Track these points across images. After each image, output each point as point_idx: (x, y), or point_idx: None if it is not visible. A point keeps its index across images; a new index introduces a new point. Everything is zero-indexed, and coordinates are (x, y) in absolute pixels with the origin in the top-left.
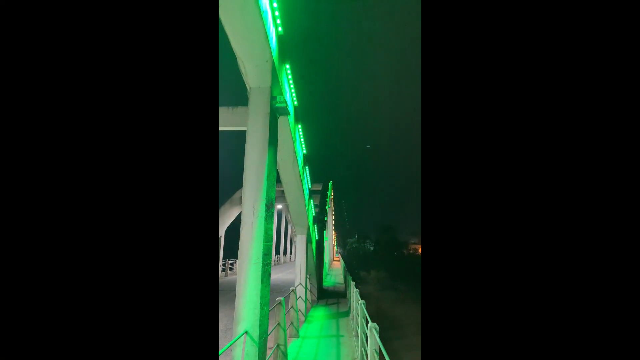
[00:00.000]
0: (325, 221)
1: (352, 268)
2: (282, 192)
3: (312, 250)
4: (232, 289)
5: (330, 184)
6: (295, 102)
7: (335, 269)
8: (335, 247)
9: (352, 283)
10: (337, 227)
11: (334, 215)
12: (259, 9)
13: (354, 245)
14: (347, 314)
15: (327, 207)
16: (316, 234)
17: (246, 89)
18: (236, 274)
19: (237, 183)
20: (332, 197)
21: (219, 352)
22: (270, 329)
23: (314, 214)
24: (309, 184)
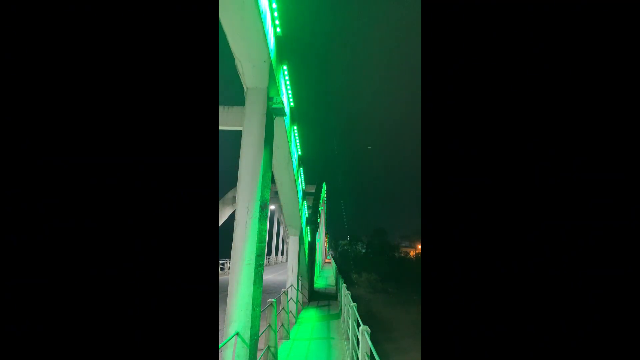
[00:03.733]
0: (318, 223)
1: (344, 270)
2: (276, 192)
3: (305, 251)
4: (222, 289)
5: (324, 185)
6: (292, 103)
7: (326, 271)
8: (327, 249)
9: (344, 285)
10: (329, 229)
11: (327, 217)
12: (258, 10)
13: (345, 248)
14: (338, 316)
15: (320, 209)
16: (309, 235)
17: (242, 89)
18: (227, 275)
19: (229, 182)
20: (325, 199)
21: None
22: (261, 330)
23: (307, 216)
24: (303, 186)
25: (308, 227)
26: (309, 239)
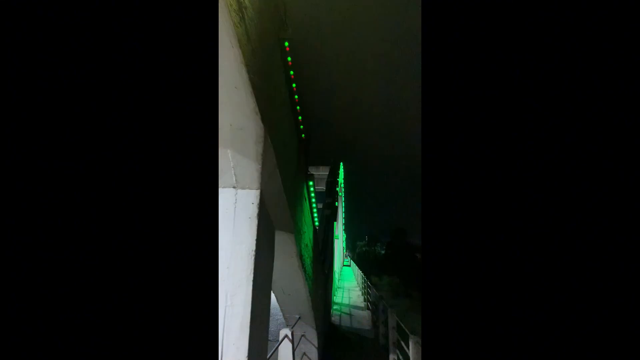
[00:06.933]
0: (336, 208)
1: (363, 273)
2: None
3: (307, 244)
4: None
5: (342, 166)
6: None
7: (345, 277)
8: (345, 250)
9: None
10: (346, 228)
11: (344, 208)
12: None
13: (364, 249)
14: None
15: (339, 194)
16: (317, 221)
17: None
18: None
19: None
20: (343, 185)
21: None
22: None
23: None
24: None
25: (315, 207)
26: (320, 226)
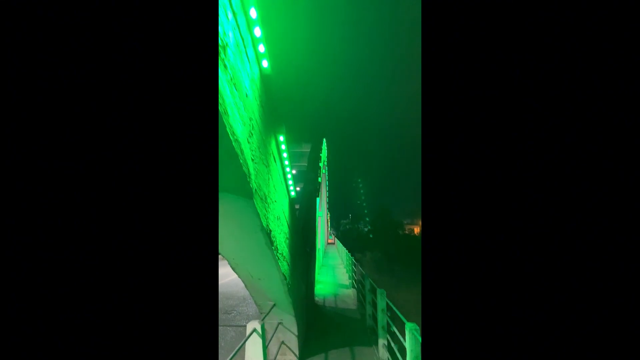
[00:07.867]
0: (319, 184)
1: (348, 250)
2: None
3: (280, 217)
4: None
5: (325, 142)
6: None
7: (331, 256)
8: (329, 228)
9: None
10: (330, 206)
11: (328, 186)
12: None
13: (347, 227)
14: None
15: (322, 171)
16: (290, 190)
17: None
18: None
19: None
20: (326, 162)
21: None
22: None
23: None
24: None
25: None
26: (303, 202)
